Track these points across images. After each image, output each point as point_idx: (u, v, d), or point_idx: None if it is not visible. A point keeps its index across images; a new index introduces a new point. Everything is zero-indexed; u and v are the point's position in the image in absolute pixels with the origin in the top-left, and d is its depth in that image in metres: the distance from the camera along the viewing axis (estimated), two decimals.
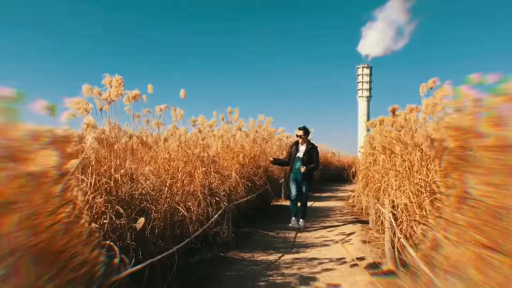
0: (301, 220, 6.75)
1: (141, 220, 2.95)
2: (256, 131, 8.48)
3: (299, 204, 6.89)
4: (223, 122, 7.30)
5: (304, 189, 6.69)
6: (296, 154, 6.75)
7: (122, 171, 3.32)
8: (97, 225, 2.57)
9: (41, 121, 2.01)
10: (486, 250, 1.50)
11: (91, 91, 3.16)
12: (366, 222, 6.91)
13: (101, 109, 3.23)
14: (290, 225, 6.65)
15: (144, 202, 3.46)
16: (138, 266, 2.73)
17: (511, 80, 1.65)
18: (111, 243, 2.48)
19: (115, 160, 3.35)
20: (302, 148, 6.72)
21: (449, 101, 3.77)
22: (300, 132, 6.73)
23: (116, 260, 2.33)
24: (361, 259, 4.58)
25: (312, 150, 6.69)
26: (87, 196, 2.69)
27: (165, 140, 4.96)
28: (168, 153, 4.83)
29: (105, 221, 2.81)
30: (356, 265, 4.35)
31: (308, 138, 6.95)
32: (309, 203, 10.37)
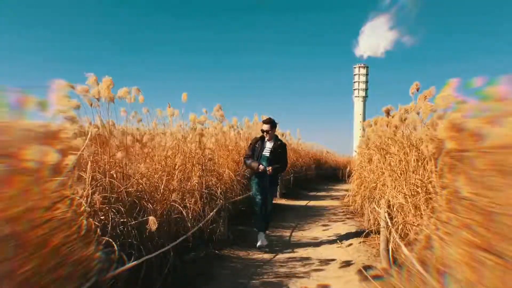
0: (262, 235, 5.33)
1: (151, 218, 2.95)
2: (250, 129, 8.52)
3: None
4: (217, 120, 7.27)
5: (269, 200, 5.46)
6: (261, 152, 5.39)
7: (118, 167, 3.32)
8: (94, 222, 2.57)
9: (35, 117, 2.00)
10: (480, 250, 1.51)
11: (83, 89, 3.16)
12: (361, 222, 6.94)
13: (91, 105, 3.24)
14: (259, 244, 5.16)
15: (141, 200, 3.46)
16: (134, 263, 2.74)
17: (499, 83, 1.67)
18: (109, 239, 2.49)
19: (110, 157, 3.34)
20: (269, 145, 5.39)
21: (442, 102, 3.81)
22: (266, 127, 5.36)
23: (113, 256, 2.33)
24: (356, 258, 4.60)
25: (281, 147, 5.46)
26: (84, 192, 2.69)
27: (161, 137, 4.96)
28: (164, 150, 4.83)
29: (102, 217, 2.81)
30: (350, 264, 4.38)
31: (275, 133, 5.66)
32: (303, 202, 10.46)
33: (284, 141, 6.03)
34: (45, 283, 1.58)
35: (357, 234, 5.92)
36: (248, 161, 5.33)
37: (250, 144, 5.50)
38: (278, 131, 12.43)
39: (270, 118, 5.44)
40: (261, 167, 5.17)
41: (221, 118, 7.25)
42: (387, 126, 5.89)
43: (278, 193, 10.24)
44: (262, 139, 5.46)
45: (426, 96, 4.16)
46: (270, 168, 5.20)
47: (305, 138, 16.68)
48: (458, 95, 2.10)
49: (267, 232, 5.49)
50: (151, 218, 2.96)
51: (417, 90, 4.51)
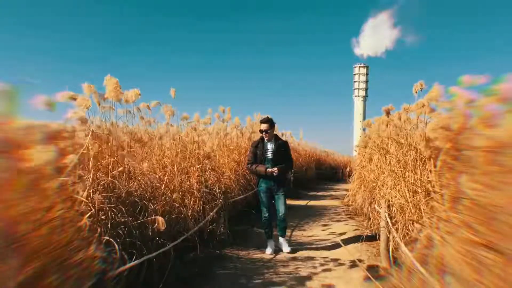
0: (283, 240, 5.16)
1: (160, 218, 2.95)
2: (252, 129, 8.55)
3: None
4: (218, 120, 7.29)
5: (281, 202, 5.09)
6: (264, 155, 5.08)
7: (120, 168, 3.32)
8: (95, 222, 2.58)
9: (36, 116, 2.01)
10: (480, 249, 1.52)
11: (91, 89, 3.17)
12: (361, 221, 6.95)
13: (99, 105, 3.25)
14: (268, 252, 4.97)
15: (142, 199, 3.46)
16: (135, 262, 2.74)
17: (502, 81, 1.68)
18: (110, 239, 2.49)
19: (113, 157, 3.35)
20: (271, 146, 5.10)
21: (442, 102, 3.82)
22: (265, 126, 5.04)
23: (115, 256, 2.33)
24: (356, 258, 4.61)
25: (283, 146, 5.16)
26: (85, 192, 2.70)
27: (160, 137, 4.97)
28: (163, 150, 4.84)
29: (103, 217, 2.82)
30: (351, 264, 4.39)
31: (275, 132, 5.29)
32: (303, 202, 10.45)
33: (284, 139, 5.89)
34: (46, 283, 1.58)
35: (357, 234, 5.93)
36: (253, 167, 5.07)
37: (251, 148, 5.19)
38: (277, 132, 12.44)
39: (267, 117, 5.14)
40: (269, 170, 4.92)
41: (227, 119, 7.32)
42: (387, 125, 5.91)
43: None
44: (261, 140, 5.17)
45: (428, 96, 4.17)
46: (275, 169, 4.92)
47: (305, 138, 16.72)
48: (464, 93, 2.10)
49: (284, 242, 5.14)
50: (160, 218, 2.97)
51: (421, 90, 4.51)
